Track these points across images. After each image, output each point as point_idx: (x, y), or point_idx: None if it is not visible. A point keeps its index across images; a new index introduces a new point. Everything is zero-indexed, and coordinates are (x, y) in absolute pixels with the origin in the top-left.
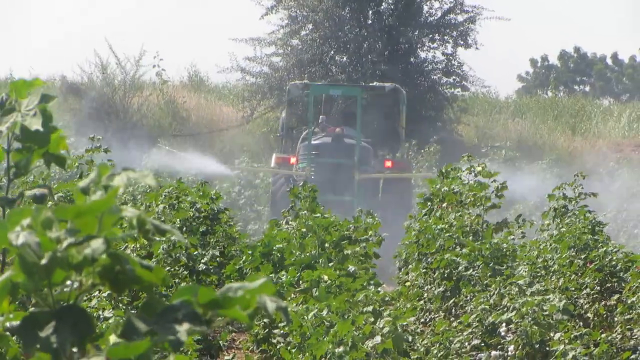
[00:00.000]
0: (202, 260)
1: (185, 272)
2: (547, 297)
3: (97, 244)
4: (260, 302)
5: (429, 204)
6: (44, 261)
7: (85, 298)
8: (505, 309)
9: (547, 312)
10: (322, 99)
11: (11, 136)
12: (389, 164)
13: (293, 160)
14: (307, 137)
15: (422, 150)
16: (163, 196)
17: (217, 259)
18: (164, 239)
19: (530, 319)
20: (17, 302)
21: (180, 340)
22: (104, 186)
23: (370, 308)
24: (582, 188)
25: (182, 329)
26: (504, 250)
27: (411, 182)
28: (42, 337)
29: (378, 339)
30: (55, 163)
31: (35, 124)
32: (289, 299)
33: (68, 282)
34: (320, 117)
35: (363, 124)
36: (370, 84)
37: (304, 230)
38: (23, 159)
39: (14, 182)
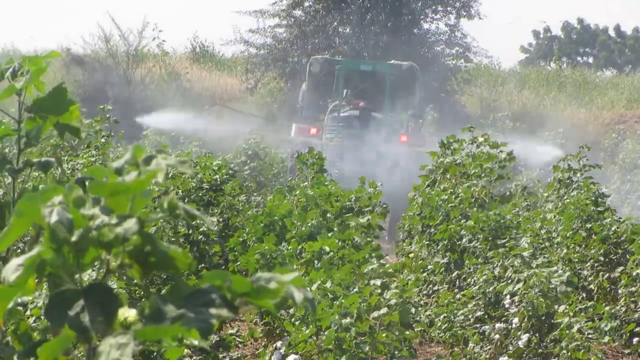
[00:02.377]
0: (200, 230)
1: (187, 243)
2: (553, 269)
3: (131, 223)
4: (288, 292)
5: (431, 175)
6: (74, 238)
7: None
8: (510, 280)
9: (553, 285)
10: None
11: (22, 106)
12: (404, 138)
13: (313, 130)
14: (334, 110)
15: (420, 121)
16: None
17: (217, 227)
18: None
19: (537, 290)
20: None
21: (210, 325)
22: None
23: (378, 282)
24: (587, 160)
25: (212, 313)
26: (507, 221)
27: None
28: (70, 315)
29: (385, 310)
30: (70, 133)
31: (17, 83)
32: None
33: (96, 262)
34: (345, 90)
35: (381, 99)
36: (389, 62)
37: (303, 200)
38: (34, 128)
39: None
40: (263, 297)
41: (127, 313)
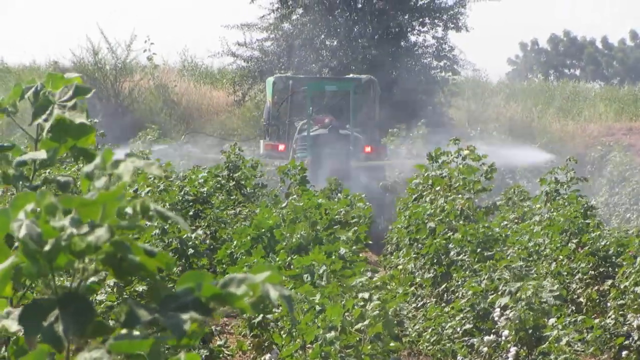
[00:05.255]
0: (189, 243)
1: (175, 256)
2: (542, 282)
3: (101, 231)
4: (264, 290)
5: (418, 188)
6: (46, 248)
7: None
8: (500, 293)
9: (542, 299)
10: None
11: (40, 127)
12: (368, 149)
13: (282, 147)
14: (303, 129)
15: (411, 134)
16: (150, 180)
17: (207, 240)
18: (155, 224)
19: (524, 303)
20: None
21: (183, 328)
22: (108, 173)
23: (366, 295)
24: (575, 172)
25: (185, 317)
26: (495, 234)
27: (384, 167)
28: (44, 326)
29: (367, 321)
30: (84, 157)
31: (80, 118)
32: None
33: (70, 270)
34: (310, 108)
35: (342, 113)
36: (347, 76)
37: (292, 212)
38: (50, 149)
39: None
40: (236, 301)
41: None
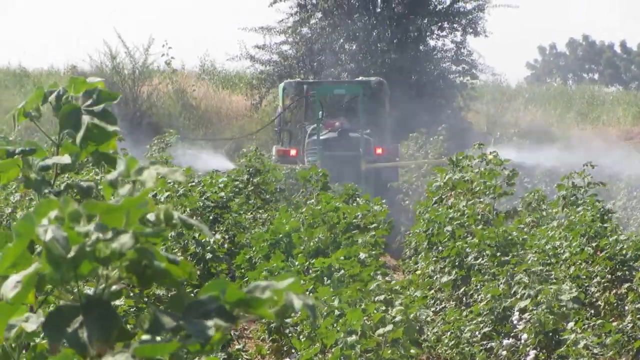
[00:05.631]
0: (208, 248)
1: (194, 261)
2: (562, 286)
3: (126, 238)
4: (287, 300)
5: (439, 192)
6: (71, 254)
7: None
8: (520, 296)
9: (562, 302)
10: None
11: (63, 131)
12: (379, 151)
13: (293, 152)
14: (313, 133)
15: (431, 139)
16: (170, 184)
17: (225, 245)
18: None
19: (544, 307)
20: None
21: (208, 336)
22: (132, 180)
23: (382, 297)
24: (592, 177)
25: (210, 324)
26: (513, 238)
27: (397, 169)
28: (68, 332)
29: (390, 327)
30: (105, 162)
31: (112, 127)
32: None
33: (93, 277)
34: (320, 112)
35: (354, 115)
36: (357, 79)
37: (310, 216)
38: (72, 154)
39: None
40: (260, 307)
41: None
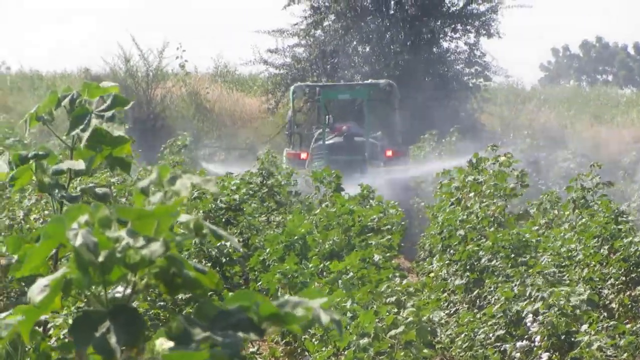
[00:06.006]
0: (224, 251)
1: (209, 264)
2: (574, 288)
3: (156, 245)
4: (315, 315)
5: (455, 193)
6: (100, 259)
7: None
8: (532, 299)
9: (573, 303)
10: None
11: (76, 135)
12: (389, 152)
13: (303, 155)
14: (320, 138)
15: (443, 140)
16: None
17: (240, 248)
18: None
19: (556, 309)
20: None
21: (238, 348)
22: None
23: (393, 299)
24: (600, 178)
25: (239, 337)
26: (526, 240)
27: (407, 171)
28: (95, 337)
29: (401, 328)
30: (120, 167)
31: (118, 130)
32: (312, 288)
33: (121, 283)
34: (328, 117)
35: (364, 117)
36: (366, 82)
37: (325, 218)
38: (86, 159)
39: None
40: (292, 322)
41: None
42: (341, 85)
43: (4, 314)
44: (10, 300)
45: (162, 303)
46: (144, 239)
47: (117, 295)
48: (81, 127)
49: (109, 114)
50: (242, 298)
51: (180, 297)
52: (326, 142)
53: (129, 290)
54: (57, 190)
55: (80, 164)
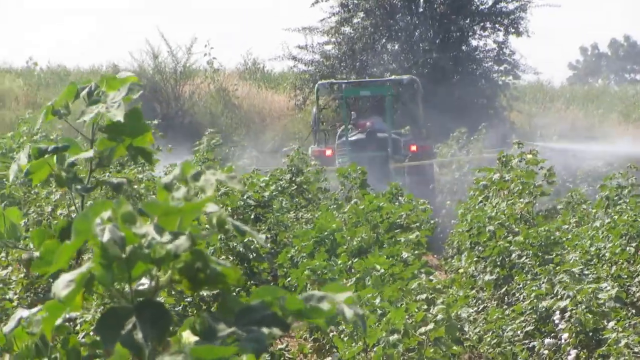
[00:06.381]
0: (252, 247)
1: (237, 260)
2: (601, 285)
3: (182, 240)
4: (339, 309)
5: (485, 191)
6: (125, 254)
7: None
8: (560, 296)
9: (601, 301)
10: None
11: (95, 127)
12: (413, 148)
13: (329, 152)
14: (343, 134)
15: (472, 138)
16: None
17: (267, 244)
18: None
19: (584, 306)
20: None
21: (264, 344)
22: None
23: (423, 296)
24: (635, 179)
25: (265, 332)
26: (556, 237)
27: (433, 166)
28: (122, 333)
29: (431, 326)
30: (142, 157)
31: (118, 116)
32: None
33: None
34: (352, 113)
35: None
36: (389, 78)
37: (354, 215)
38: (106, 149)
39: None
40: (318, 316)
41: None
42: (365, 81)
43: (34, 310)
44: (38, 296)
45: (189, 299)
46: (171, 233)
47: (140, 289)
48: (89, 115)
49: (118, 101)
50: (266, 293)
51: (206, 294)
52: (349, 139)
53: (152, 285)
54: (74, 184)
55: (89, 153)
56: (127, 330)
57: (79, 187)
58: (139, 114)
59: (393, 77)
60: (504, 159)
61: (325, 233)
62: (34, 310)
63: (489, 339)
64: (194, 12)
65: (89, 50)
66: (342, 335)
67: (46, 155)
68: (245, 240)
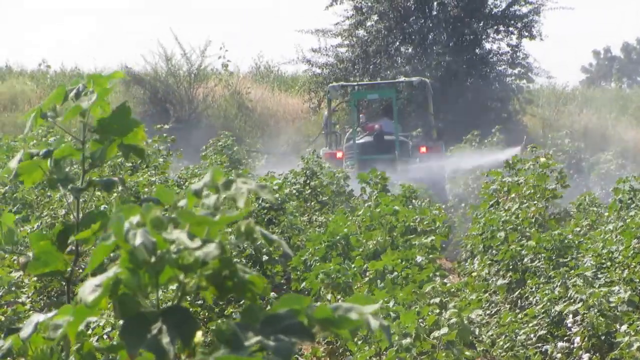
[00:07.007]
0: (264, 250)
1: (250, 263)
2: (613, 288)
3: (211, 247)
4: (365, 320)
5: (495, 195)
6: (153, 259)
7: None
8: (572, 300)
9: (613, 304)
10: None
11: (86, 127)
12: (423, 149)
13: (339, 155)
14: (351, 137)
15: (485, 140)
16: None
17: (292, 252)
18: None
19: (596, 310)
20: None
21: (289, 353)
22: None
23: (437, 300)
24: None
25: (291, 341)
26: (569, 241)
27: (444, 167)
28: (148, 337)
29: (444, 330)
30: (134, 154)
31: (83, 104)
32: (355, 288)
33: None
34: (360, 116)
35: (404, 116)
36: (399, 80)
37: (368, 218)
38: (98, 149)
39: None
40: (346, 327)
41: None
42: (375, 83)
43: (51, 314)
44: (51, 299)
45: (200, 302)
46: (200, 240)
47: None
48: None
49: (93, 96)
50: (292, 302)
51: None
52: (357, 142)
53: (179, 292)
54: (66, 184)
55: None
56: (152, 335)
57: (69, 187)
58: (127, 110)
59: (402, 79)
60: (511, 163)
61: (337, 237)
62: (50, 314)
63: (501, 342)
64: (194, 12)
65: (98, 53)
66: (355, 339)
67: (35, 158)
68: (258, 243)
